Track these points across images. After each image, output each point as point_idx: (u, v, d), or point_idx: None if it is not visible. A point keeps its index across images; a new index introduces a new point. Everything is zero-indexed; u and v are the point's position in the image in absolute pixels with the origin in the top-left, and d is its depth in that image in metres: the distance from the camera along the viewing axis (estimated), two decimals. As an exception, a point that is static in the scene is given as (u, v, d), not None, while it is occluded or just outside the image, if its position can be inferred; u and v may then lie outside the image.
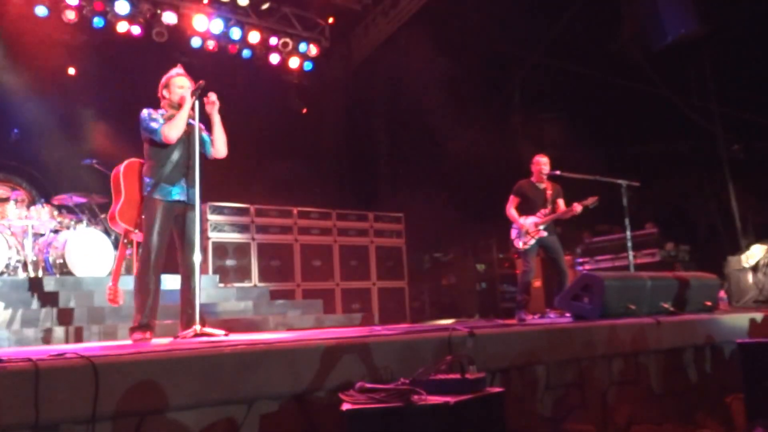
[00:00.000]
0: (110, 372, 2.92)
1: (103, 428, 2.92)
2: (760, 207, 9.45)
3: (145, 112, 5.35)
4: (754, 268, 9.13)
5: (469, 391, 3.24)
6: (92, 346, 5.11)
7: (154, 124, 5.27)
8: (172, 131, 5.24)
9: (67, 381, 2.83)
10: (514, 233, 8.44)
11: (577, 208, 8.24)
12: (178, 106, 5.36)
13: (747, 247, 9.39)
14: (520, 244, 8.34)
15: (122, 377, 2.97)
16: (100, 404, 2.86)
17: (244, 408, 3.36)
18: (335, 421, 3.41)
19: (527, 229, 8.28)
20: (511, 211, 8.44)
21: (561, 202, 8.43)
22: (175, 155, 5.33)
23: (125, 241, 5.49)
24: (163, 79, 5.55)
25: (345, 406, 3.03)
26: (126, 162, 5.47)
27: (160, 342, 5.02)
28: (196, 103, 5.35)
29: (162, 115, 5.39)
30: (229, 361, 3.34)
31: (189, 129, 5.38)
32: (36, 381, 2.71)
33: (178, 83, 5.46)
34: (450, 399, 3.08)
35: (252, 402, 3.39)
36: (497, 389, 3.56)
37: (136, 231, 5.32)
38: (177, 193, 5.31)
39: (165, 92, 5.50)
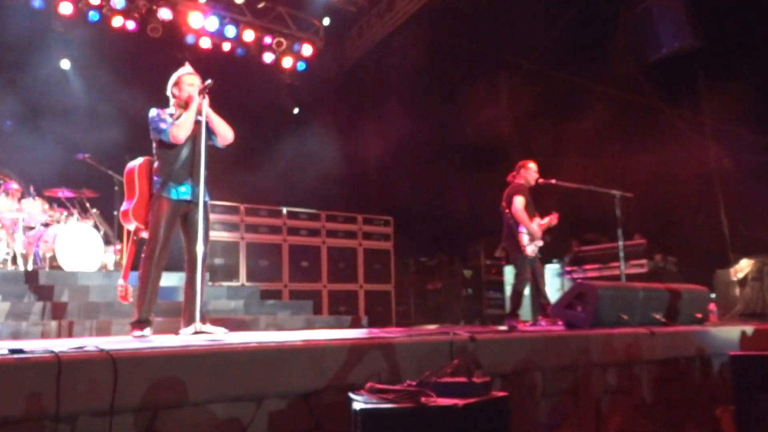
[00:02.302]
0: (129, 366, 2.94)
1: (119, 421, 2.92)
2: (748, 221, 9.52)
3: (153, 111, 5.33)
4: (742, 282, 9.21)
5: (477, 395, 3.26)
6: (98, 340, 5.08)
7: (162, 125, 5.26)
8: (181, 131, 5.25)
9: (87, 374, 2.84)
10: (525, 239, 7.81)
11: (555, 219, 8.15)
12: (186, 105, 5.36)
13: (735, 261, 9.47)
14: (529, 251, 7.83)
15: (140, 371, 2.99)
16: (117, 397, 2.87)
17: (253, 405, 3.39)
18: (340, 420, 3.43)
19: (538, 235, 7.90)
20: (524, 213, 7.80)
21: None
22: (184, 153, 5.33)
23: (135, 238, 5.47)
24: (173, 78, 5.53)
25: (357, 406, 3.04)
26: (140, 160, 5.45)
27: (160, 339, 5.00)
28: (204, 101, 5.35)
29: (171, 114, 5.38)
30: (242, 358, 3.37)
31: (197, 127, 5.37)
32: (58, 373, 2.72)
33: (188, 81, 5.45)
34: (458, 401, 3.10)
35: (261, 399, 3.41)
36: (502, 393, 3.58)
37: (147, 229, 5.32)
38: (183, 192, 5.31)
39: (175, 90, 5.49)
